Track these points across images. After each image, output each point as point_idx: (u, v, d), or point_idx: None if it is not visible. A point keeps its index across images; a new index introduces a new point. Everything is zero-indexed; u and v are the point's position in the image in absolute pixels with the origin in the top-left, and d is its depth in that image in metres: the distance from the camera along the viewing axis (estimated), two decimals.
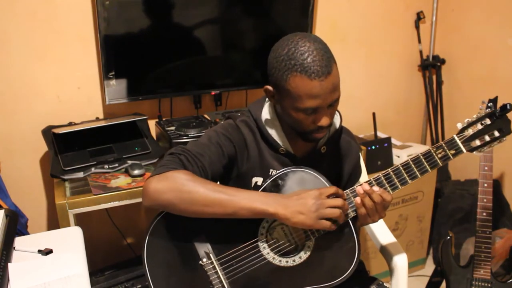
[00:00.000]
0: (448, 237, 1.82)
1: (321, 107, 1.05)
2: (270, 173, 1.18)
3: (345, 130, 1.30)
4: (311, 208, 1.03)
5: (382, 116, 2.57)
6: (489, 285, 1.73)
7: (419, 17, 2.61)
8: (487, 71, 2.47)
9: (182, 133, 1.84)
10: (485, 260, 1.73)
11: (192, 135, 1.83)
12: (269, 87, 1.11)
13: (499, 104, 1.68)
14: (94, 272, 1.87)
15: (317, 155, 1.22)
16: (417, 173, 1.10)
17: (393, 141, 2.42)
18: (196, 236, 1.12)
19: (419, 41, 2.65)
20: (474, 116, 1.12)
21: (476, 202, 1.75)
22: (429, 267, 2.52)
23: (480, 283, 1.74)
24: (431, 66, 2.69)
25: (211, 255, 1.11)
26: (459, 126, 1.12)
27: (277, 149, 1.18)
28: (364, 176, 1.59)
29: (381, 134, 2.47)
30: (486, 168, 1.71)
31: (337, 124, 1.25)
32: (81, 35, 1.89)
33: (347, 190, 1.12)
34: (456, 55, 2.64)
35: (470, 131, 1.10)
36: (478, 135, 1.10)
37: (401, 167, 1.10)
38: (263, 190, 1.15)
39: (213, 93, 2.09)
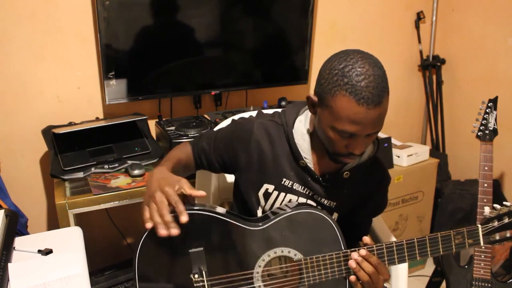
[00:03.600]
0: None
1: (359, 135, 0.99)
2: (282, 182, 1.14)
3: (379, 161, 1.21)
4: (149, 190, 1.03)
5: None
6: (489, 285, 1.73)
7: (419, 17, 2.61)
8: (487, 71, 2.47)
9: (182, 133, 1.84)
10: (485, 260, 1.73)
11: (192, 135, 1.83)
12: (312, 96, 1.04)
13: (499, 104, 1.69)
14: (94, 272, 1.87)
15: (339, 178, 1.14)
16: (429, 252, 1.06)
17: (393, 141, 2.42)
18: (195, 248, 1.08)
19: (419, 41, 2.65)
20: (504, 204, 1.08)
21: (476, 202, 1.75)
22: (429, 267, 2.52)
23: (480, 283, 1.74)
24: (431, 66, 2.69)
25: (204, 273, 1.06)
26: (487, 212, 1.08)
27: (298, 160, 1.13)
28: None
29: (381, 134, 2.47)
30: (486, 168, 1.71)
31: (369, 153, 1.16)
32: (81, 35, 1.90)
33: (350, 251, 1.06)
34: (456, 55, 2.64)
35: (495, 223, 1.07)
36: (501, 229, 1.07)
37: (416, 242, 1.06)
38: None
39: (213, 93, 2.09)
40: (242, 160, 1.16)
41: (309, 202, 1.16)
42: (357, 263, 1.03)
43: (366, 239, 1.07)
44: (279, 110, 1.21)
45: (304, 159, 1.12)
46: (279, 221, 1.08)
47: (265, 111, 1.22)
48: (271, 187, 1.15)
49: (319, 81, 1.02)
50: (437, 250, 1.06)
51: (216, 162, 1.22)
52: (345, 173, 1.14)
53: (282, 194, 1.15)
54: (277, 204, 1.16)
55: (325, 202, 1.16)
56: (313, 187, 1.15)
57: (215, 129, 1.29)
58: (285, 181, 1.15)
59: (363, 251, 1.03)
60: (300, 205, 1.13)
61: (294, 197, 1.15)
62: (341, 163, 1.10)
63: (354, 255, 1.04)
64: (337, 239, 1.08)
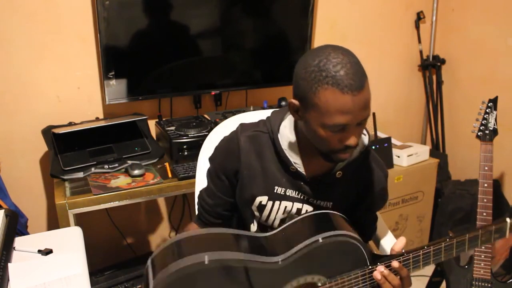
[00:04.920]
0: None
1: (350, 125, 0.96)
2: (275, 191, 1.12)
3: (372, 155, 1.17)
4: None
5: (382, 116, 2.57)
6: (489, 285, 1.73)
7: (419, 17, 2.61)
8: (487, 71, 2.47)
9: (182, 133, 1.84)
10: (485, 260, 1.73)
11: (192, 135, 1.83)
12: (294, 101, 1.00)
13: (499, 104, 1.69)
14: (94, 272, 1.87)
15: (331, 179, 1.12)
16: (454, 252, 1.07)
17: (393, 141, 2.42)
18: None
19: (419, 41, 2.65)
20: None
21: (476, 202, 1.74)
22: (429, 267, 2.50)
23: (480, 283, 1.74)
24: (431, 66, 2.69)
25: None
26: None
27: (288, 166, 1.10)
28: None
29: (381, 134, 2.47)
30: (486, 168, 1.71)
31: (359, 149, 1.12)
32: (81, 35, 1.90)
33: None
34: (456, 55, 2.64)
35: None
36: None
37: (443, 246, 1.05)
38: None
39: (213, 93, 2.09)
40: (237, 176, 1.14)
41: (305, 206, 1.14)
42: (383, 276, 1.02)
43: (398, 244, 1.05)
44: (264, 116, 1.18)
45: (294, 164, 1.10)
46: (301, 251, 1.01)
47: (247, 122, 1.18)
48: (264, 199, 1.13)
49: (297, 83, 0.98)
50: (463, 248, 1.06)
51: (230, 198, 1.19)
52: (338, 173, 1.12)
53: (277, 203, 1.13)
54: (273, 214, 1.14)
55: (321, 203, 1.15)
56: (306, 190, 1.12)
57: (204, 187, 1.24)
58: (277, 189, 1.12)
59: (396, 264, 1.02)
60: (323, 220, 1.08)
61: (289, 204, 1.13)
62: (338, 160, 1.06)
63: (381, 268, 1.02)
64: (364, 259, 1.05)
